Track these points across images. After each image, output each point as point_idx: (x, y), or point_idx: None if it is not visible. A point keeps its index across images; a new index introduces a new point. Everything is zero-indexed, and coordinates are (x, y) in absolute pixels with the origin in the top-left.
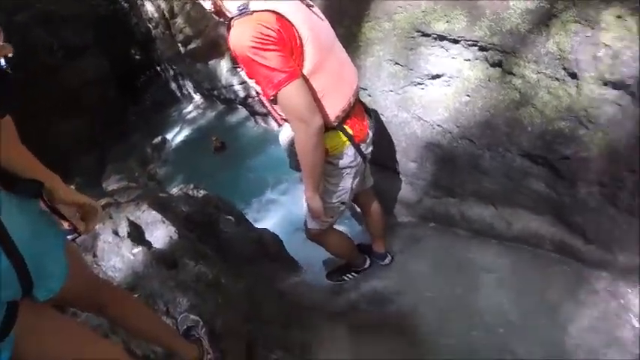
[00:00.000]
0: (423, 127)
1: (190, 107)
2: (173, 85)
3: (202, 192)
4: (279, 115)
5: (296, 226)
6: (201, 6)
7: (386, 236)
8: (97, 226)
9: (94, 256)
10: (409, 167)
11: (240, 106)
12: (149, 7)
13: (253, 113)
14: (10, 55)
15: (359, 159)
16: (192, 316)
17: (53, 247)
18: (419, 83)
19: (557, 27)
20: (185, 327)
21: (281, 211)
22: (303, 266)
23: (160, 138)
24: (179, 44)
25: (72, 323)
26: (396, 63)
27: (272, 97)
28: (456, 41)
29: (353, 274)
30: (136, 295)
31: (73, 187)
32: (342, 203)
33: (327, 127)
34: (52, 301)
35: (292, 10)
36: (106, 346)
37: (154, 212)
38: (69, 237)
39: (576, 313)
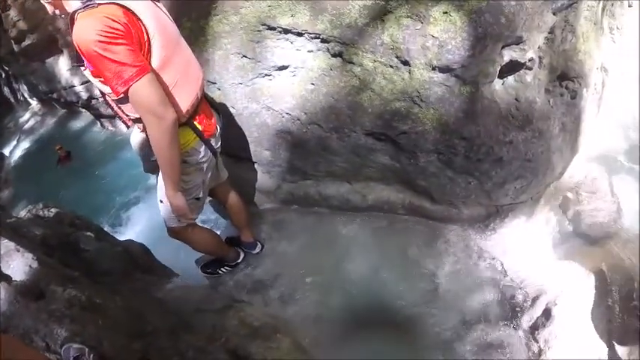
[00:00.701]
0: (273, 116)
1: (27, 115)
2: (6, 90)
3: (54, 210)
4: (127, 115)
5: (160, 231)
6: None
7: (251, 225)
8: None
9: None
10: (264, 156)
11: (83, 110)
12: None
13: (98, 116)
14: None
15: (209, 154)
16: (75, 345)
17: None
18: (266, 74)
19: (391, 21)
20: (71, 358)
21: (142, 218)
22: (177, 270)
23: None
24: (12, 41)
25: None
26: (244, 56)
27: (122, 95)
28: (300, 34)
29: (227, 267)
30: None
31: None
32: (198, 199)
33: (178, 123)
34: None
35: (138, 4)
36: None
37: (4, 241)
38: None
39: (439, 264)
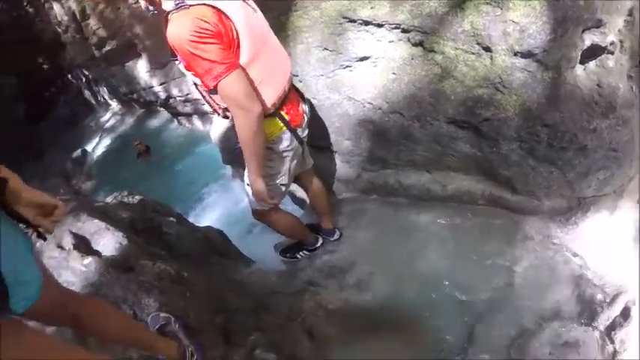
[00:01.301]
0: (354, 106)
1: (108, 115)
2: (87, 93)
3: (137, 197)
4: (218, 104)
5: (237, 219)
6: (117, 5)
7: (331, 213)
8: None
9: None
10: (344, 145)
11: (161, 109)
12: (58, 10)
13: (176, 114)
14: None
15: (295, 143)
16: (162, 314)
17: (25, 254)
18: (347, 66)
19: (470, 9)
20: (158, 325)
21: (219, 208)
22: (254, 256)
23: (79, 151)
24: (93, 47)
25: (53, 339)
26: (325, 48)
27: (212, 88)
28: (380, 25)
29: (305, 252)
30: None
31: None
32: (283, 185)
33: (265, 115)
34: (27, 317)
35: (227, 3)
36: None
37: (96, 221)
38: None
39: (516, 258)
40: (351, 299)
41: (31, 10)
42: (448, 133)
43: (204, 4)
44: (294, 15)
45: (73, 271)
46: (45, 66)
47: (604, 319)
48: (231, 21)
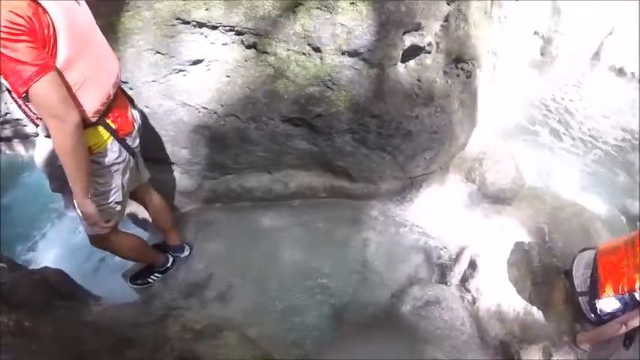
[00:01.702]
0: (189, 112)
1: None
2: None
3: None
4: (35, 114)
5: (76, 253)
6: None
7: (177, 228)
8: None
9: None
10: (182, 155)
11: None
12: None
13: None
14: None
15: (126, 154)
16: None
17: None
18: (181, 70)
19: (302, 12)
20: None
21: (54, 244)
22: (103, 290)
23: None
24: None
25: None
26: (157, 52)
27: (23, 94)
28: (214, 27)
29: (157, 274)
30: None
31: None
32: (117, 203)
33: (87, 124)
34: None
35: None
36: None
37: None
38: None
39: (366, 240)
40: (217, 313)
41: None
42: (284, 131)
43: None
44: (125, 15)
45: None
46: None
47: (456, 274)
48: (48, 15)
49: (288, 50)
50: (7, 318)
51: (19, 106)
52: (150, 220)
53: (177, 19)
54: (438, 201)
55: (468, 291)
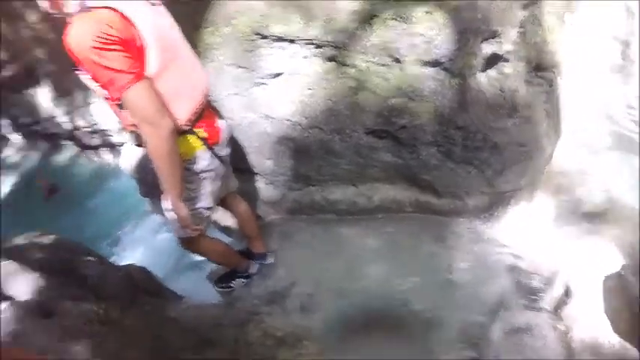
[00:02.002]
0: (272, 124)
1: (10, 151)
2: None
3: (51, 237)
4: (129, 121)
5: (161, 254)
6: (16, 24)
7: (261, 236)
8: None
9: None
10: (266, 165)
11: (67, 142)
12: None
13: (84, 148)
14: None
15: (216, 162)
16: None
17: None
18: (262, 83)
19: (378, 24)
20: None
21: (141, 244)
22: (186, 290)
23: None
24: None
25: None
26: (239, 66)
27: (117, 100)
28: (292, 41)
29: (240, 279)
30: None
31: None
32: (206, 209)
33: (178, 132)
34: None
35: (134, 8)
36: None
37: (5, 262)
38: None
39: (452, 258)
40: (298, 322)
41: None
42: (368, 143)
43: (109, 8)
44: (205, 32)
45: None
46: None
47: (548, 300)
48: (137, 28)
49: (368, 62)
50: (97, 307)
51: (115, 112)
52: (235, 227)
53: (255, 33)
54: (526, 219)
55: (561, 319)
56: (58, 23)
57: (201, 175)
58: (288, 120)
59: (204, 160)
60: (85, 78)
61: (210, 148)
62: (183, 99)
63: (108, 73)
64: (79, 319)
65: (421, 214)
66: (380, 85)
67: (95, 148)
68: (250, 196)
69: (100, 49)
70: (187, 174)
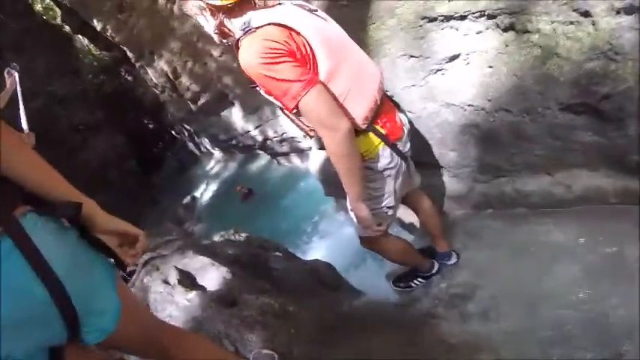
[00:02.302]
0: (453, 112)
1: (212, 163)
2: (191, 145)
3: (243, 234)
4: (307, 126)
5: (345, 251)
6: (203, 61)
7: (445, 234)
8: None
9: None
10: (450, 157)
11: (260, 151)
12: (152, 74)
13: (275, 155)
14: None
15: (397, 159)
16: (265, 351)
17: (101, 281)
18: (438, 70)
19: None
20: None
21: (326, 241)
22: (365, 287)
23: (189, 197)
24: (189, 102)
25: None
26: (411, 56)
27: (293, 109)
28: (463, 17)
29: (420, 279)
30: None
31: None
32: (390, 207)
33: (357, 131)
34: (105, 346)
35: (294, 18)
36: None
37: (201, 257)
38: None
39: None
40: (476, 330)
41: (129, 77)
42: (564, 122)
43: (271, 24)
44: (372, 28)
45: (177, 306)
46: (150, 125)
47: None
48: (302, 36)
49: (552, 23)
50: (274, 301)
51: (293, 121)
52: (417, 224)
53: (422, 18)
54: None
55: None
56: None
57: (383, 173)
58: (470, 105)
59: (385, 157)
60: (262, 93)
61: (391, 144)
62: (358, 98)
63: (280, 84)
64: (257, 311)
65: (630, 206)
66: (572, 48)
67: (285, 154)
68: (434, 191)
69: (269, 63)
70: (369, 173)
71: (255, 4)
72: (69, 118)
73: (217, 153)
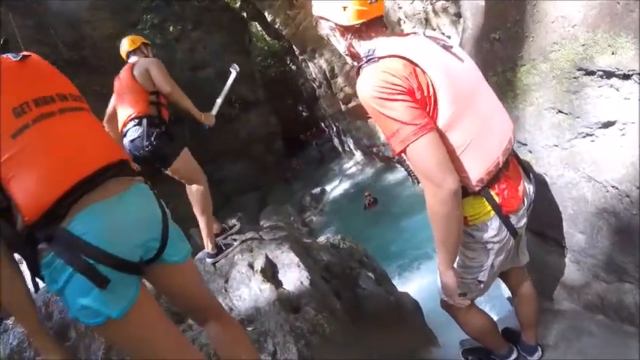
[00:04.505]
0: (594, 188)
1: (351, 163)
2: (335, 141)
3: (348, 243)
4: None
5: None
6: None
7: (538, 325)
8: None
9: (226, 282)
10: (576, 240)
11: (398, 165)
12: (312, 68)
13: (411, 173)
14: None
15: (506, 233)
16: None
17: (180, 235)
18: (588, 134)
19: None
20: None
21: (428, 277)
22: (441, 341)
23: (319, 189)
24: (340, 102)
25: (175, 329)
26: (559, 111)
27: (399, 154)
28: (627, 77)
29: None
30: (249, 328)
31: (235, 221)
32: (481, 282)
33: (467, 192)
34: (167, 291)
35: (423, 54)
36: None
37: (292, 254)
38: None
39: None
40: None
41: (293, 67)
42: None
43: (396, 56)
44: (521, 70)
45: (249, 290)
46: (304, 113)
47: None
48: (426, 75)
49: None
50: (328, 323)
51: (402, 162)
52: (512, 305)
53: (578, 69)
54: None
55: None
56: None
57: (485, 244)
58: (614, 187)
59: (492, 229)
60: (377, 126)
61: (502, 216)
62: (478, 154)
63: (391, 123)
64: (310, 328)
65: None
66: None
67: None
68: (548, 271)
69: (384, 99)
70: (469, 240)
71: (386, 28)
72: (231, 92)
73: (358, 156)
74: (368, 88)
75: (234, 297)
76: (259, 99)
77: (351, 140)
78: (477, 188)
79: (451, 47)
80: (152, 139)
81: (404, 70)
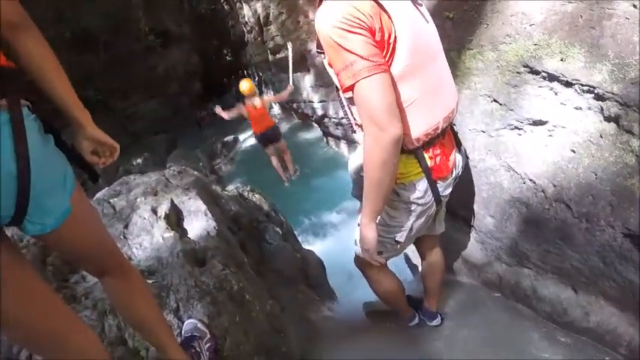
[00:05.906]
0: (512, 178)
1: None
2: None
3: (257, 196)
4: (355, 119)
5: (342, 257)
6: (297, 19)
7: (440, 294)
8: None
9: (126, 227)
10: (485, 222)
11: (315, 125)
12: (246, 11)
13: (327, 134)
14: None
15: (430, 197)
16: (200, 326)
17: (60, 184)
18: (517, 127)
19: None
20: (189, 335)
21: (333, 238)
22: (341, 300)
23: (232, 137)
24: (268, 52)
25: (48, 291)
26: (495, 100)
27: (348, 89)
28: (569, 84)
29: (394, 325)
30: (149, 281)
31: (140, 161)
32: (398, 242)
33: (403, 150)
34: (46, 243)
35: (393, 2)
36: (69, 318)
37: (199, 202)
38: None
39: None
40: None
41: (226, 6)
42: (621, 250)
43: None
44: (467, 54)
45: (151, 238)
46: (228, 57)
47: None
48: (392, 21)
49: None
50: (236, 281)
51: (343, 107)
52: (418, 270)
53: (524, 66)
54: None
55: None
56: None
57: (409, 205)
58: (532, 181)
59: (419, 190)
60: (325, 62)
61: (431, 181)
62: (422, 114)
63: (345, 55)
64: (216, 283)
65: None
66: None
67: (336, 137)
68: (453, 246)
69: (344, 29)
70: (394, 198)
71: None
72: (153, 21)
73: (276, 109)
74: (329, 16)
75: (134, 245)
76: (184, 34)
77: (272, 93)
78: (412, 147)
79: (421, 5)
80: None
81: (370, 10)
